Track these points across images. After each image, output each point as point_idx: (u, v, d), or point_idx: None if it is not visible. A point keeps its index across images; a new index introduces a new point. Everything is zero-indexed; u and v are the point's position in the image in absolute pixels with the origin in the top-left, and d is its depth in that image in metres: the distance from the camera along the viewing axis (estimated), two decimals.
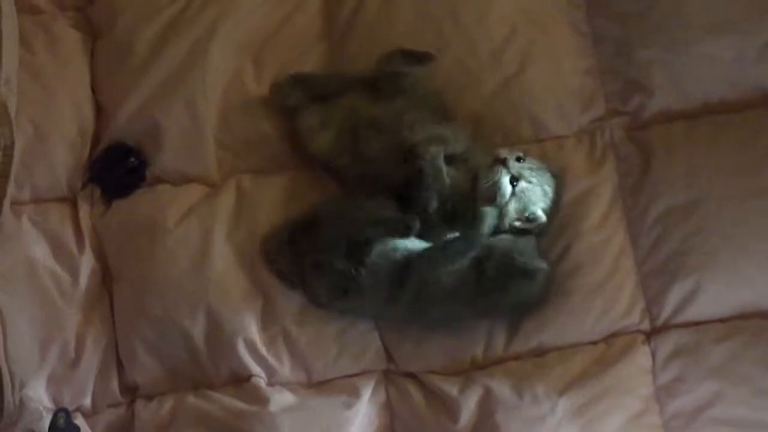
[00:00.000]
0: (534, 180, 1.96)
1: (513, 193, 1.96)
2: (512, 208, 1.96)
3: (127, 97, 2.16)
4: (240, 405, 2.02)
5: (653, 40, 2.09)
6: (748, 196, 2.01)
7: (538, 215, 1.96)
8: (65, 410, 1.93)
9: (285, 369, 2.06)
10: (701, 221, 2.02)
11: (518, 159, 1.97)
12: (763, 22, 2.08)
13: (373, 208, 2.01)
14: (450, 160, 2.00)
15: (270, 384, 2.05)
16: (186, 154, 2.15)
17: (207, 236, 2.08)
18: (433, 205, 1.96)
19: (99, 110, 2.20)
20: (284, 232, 2.06)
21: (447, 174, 1.97)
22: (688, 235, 2.02)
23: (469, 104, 2.11)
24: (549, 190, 1.98)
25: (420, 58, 2.07)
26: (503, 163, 1.95)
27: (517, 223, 1.97)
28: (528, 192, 1.96)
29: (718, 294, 2.01)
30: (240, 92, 2.16)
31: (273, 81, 2.14)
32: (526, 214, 1.96)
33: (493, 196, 1.96)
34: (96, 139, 2.18)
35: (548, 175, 1.99)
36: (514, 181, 1.95)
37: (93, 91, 2.21)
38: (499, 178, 1.95)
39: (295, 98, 2.09)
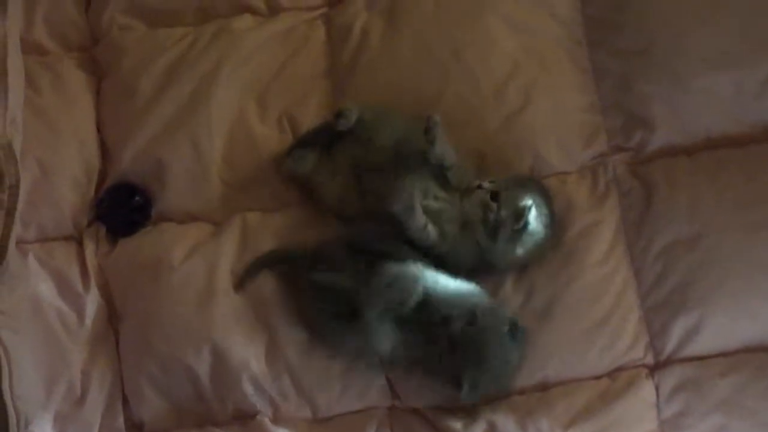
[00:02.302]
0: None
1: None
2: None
3: (132, 137, 2.17)
4: None
5: (654, 75, 2.10)
6: (751, 229, 2.02)
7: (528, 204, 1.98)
8: None
9: (290, 405, 2.06)
10: (704, 255, 2.02)
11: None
12: (764, 57, 2.09)
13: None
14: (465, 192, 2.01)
15: (274, 420, 2.05)
16: (191, 193, 2.16)
17: (212, 274, 2.08)
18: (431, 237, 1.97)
19: (104, 149, 2.21)
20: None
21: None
22: (691, 269, 2.02)
23: (472, 141, 2.11)
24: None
25: None
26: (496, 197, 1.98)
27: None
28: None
29: (722, 328, 2.01)
30: (244, 131, 2.17)
31: (277, 156, 2.15)
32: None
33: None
34: (101, 177, 2.20)
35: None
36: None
37: (98, 130, 2.23)
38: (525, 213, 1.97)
39: (303, 164, 2.10)
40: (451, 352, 1.95)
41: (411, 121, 2.07)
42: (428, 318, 1.95)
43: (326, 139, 2.09)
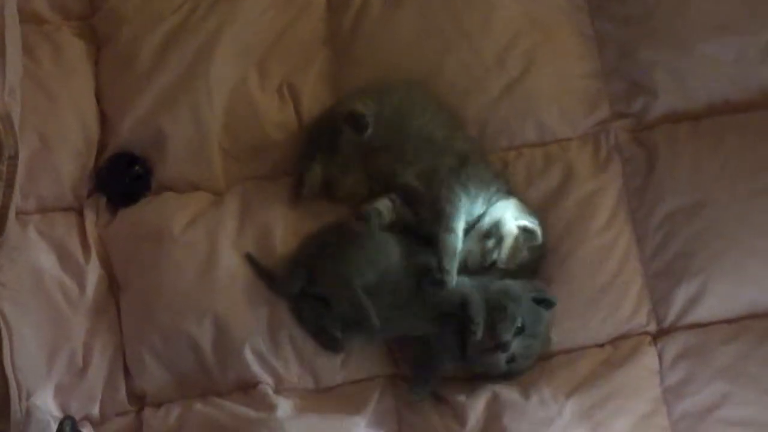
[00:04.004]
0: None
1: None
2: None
3: (132, 106, 2.16)
4: (247, 412, 2.01)
5: (656, 42, 2.10)
6: (754, 195, 2.02)
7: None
8: (71, 418, 1.93)
9: (292, 375, 2.05)
10: (707, 221, 2.02)
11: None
12: (766, 23, 2.09)
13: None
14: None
15: (277, 391, 2.04)
16: (191, 162, 2.15)
17: (213, 243, 2.07)
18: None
19: (104, 119, 2.20)
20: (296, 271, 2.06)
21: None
22: (693, 236, 2.02)
23: (474, 109, 2.12)
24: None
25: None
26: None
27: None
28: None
29: (724, 294, 2.02)
30: (244, 99, 2.17)
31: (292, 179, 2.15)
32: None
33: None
34: (101, 147, 2.19)
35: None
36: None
37: (97, 100, 2.21)
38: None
39: (315, 180, 2.09)
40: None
41: (408, 90, 2.08)
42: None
43: (329, 138, 2.08)
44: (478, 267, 2.01)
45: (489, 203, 2.02)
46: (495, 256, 2.00)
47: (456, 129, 2.09)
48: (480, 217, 2.02)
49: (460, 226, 1.99)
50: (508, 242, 1.99)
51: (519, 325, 1.94)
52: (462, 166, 2.02)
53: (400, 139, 2.04)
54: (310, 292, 2.02)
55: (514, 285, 1.98)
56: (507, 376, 1.99)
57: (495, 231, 1.99)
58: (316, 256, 2.02)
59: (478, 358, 1.97)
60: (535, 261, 2.03)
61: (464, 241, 1.99)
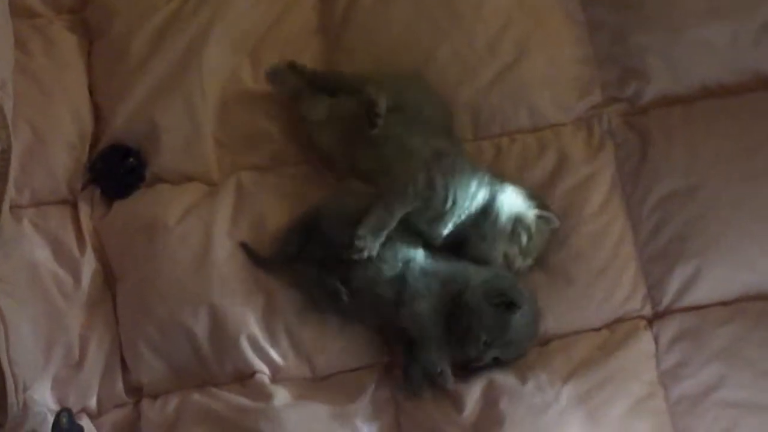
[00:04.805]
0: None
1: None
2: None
3: (125, 98, 2.16)
4: (245, 401, 2.01)
5: (648, 26, 2.11)
6: (747, 178, 2.02)
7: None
8: (68, 410, 1.92)
9: (289, 364, 2.05)
10: (701, 205, 2.02)
11: None
12: (758, 6, 2.09)
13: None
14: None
15: (274, 380, 2.05)
16: (185, 153, 2.15)
17: (208, 234, 2.07)
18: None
19: (97, 112, 2.20)
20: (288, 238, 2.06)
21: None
22: (688, 220, 2.02)
23: (467, 95, 2.13)
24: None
25: None
26: None
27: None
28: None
29: (719, 277, 2.02)
30: (238, 89, 2.17)
31: (268, 66, 2.14)
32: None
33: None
34: (95, 140, 2.19)
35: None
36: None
37: (90, 93, 2.21)
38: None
39: (291, 85, 2.10)
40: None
41: (402, 80, 2.10)
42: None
43: (332, 87, 2.10)
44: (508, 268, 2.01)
45: (489, 188, 2.01)
46: (534, 250, 2.01)
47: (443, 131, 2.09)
48: (488, 214, 1.99)
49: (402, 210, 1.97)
50: (535, 233, 1.99)
51: (484, 340, 1.93)
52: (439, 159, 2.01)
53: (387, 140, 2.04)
54: (304, 256, 2.02)
55: (474, 293, 1.95)
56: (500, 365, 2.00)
57: (520, 226, 1.98)
58: (307, 223, 2.04)
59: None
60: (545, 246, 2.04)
61: (493, 246, 1.99)
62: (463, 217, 1.97)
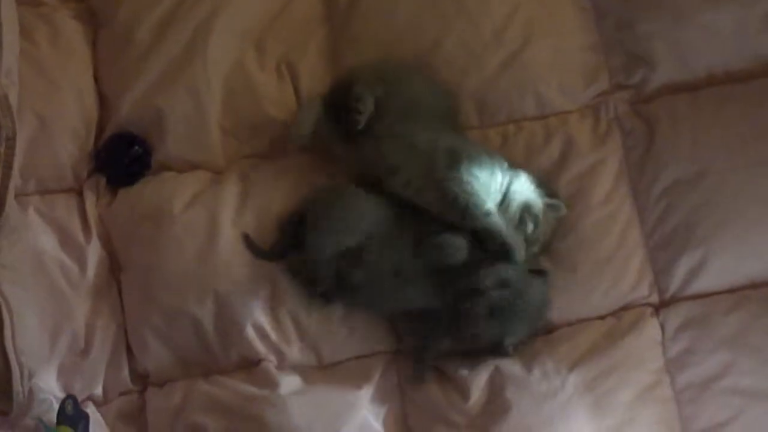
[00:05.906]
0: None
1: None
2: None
3: (130, 86, 2.16)
4: (250, 389, 2.01)
5: (655, 13, 2.10)
6: (754, 165, 2.02)
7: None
8: (73, 397, 1.93)
9: (294, 352, 2.05)
10: (707, 192, 2.02)
11: None
12: None
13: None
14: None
15: (280, 367, 2.04)
16: (190, 141, 2.15)
17: (213, 222, 2.07)
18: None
19: (102, 100, 2.20)
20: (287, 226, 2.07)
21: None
22: (694, 207, 2.02)
23: (473, 84, 2.12)
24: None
25: None
26: None
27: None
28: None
29: (726, 265, 2.01)
30: (243, 78, 2.17)
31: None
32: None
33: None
34: (100, 128, 2.18)
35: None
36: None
37: (96, 81, 2.21)
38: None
39: (303, 128, 2.10)
40: (488, 319, 1.95)
41: (400, 69, 2.09)
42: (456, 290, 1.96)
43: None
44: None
45: (508, 175, 2.00)
46: (540, 238, 2.01)
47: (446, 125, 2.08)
48: (500, 201, 2.00)
49: (489, 204, 1.97)
50: (542, 222, 1.99)
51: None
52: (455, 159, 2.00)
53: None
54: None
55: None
56: (506, 352, 1.99)
57: (528, 214, 1.98)
58: (296, 223, 2.04)
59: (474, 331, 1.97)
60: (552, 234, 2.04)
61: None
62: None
